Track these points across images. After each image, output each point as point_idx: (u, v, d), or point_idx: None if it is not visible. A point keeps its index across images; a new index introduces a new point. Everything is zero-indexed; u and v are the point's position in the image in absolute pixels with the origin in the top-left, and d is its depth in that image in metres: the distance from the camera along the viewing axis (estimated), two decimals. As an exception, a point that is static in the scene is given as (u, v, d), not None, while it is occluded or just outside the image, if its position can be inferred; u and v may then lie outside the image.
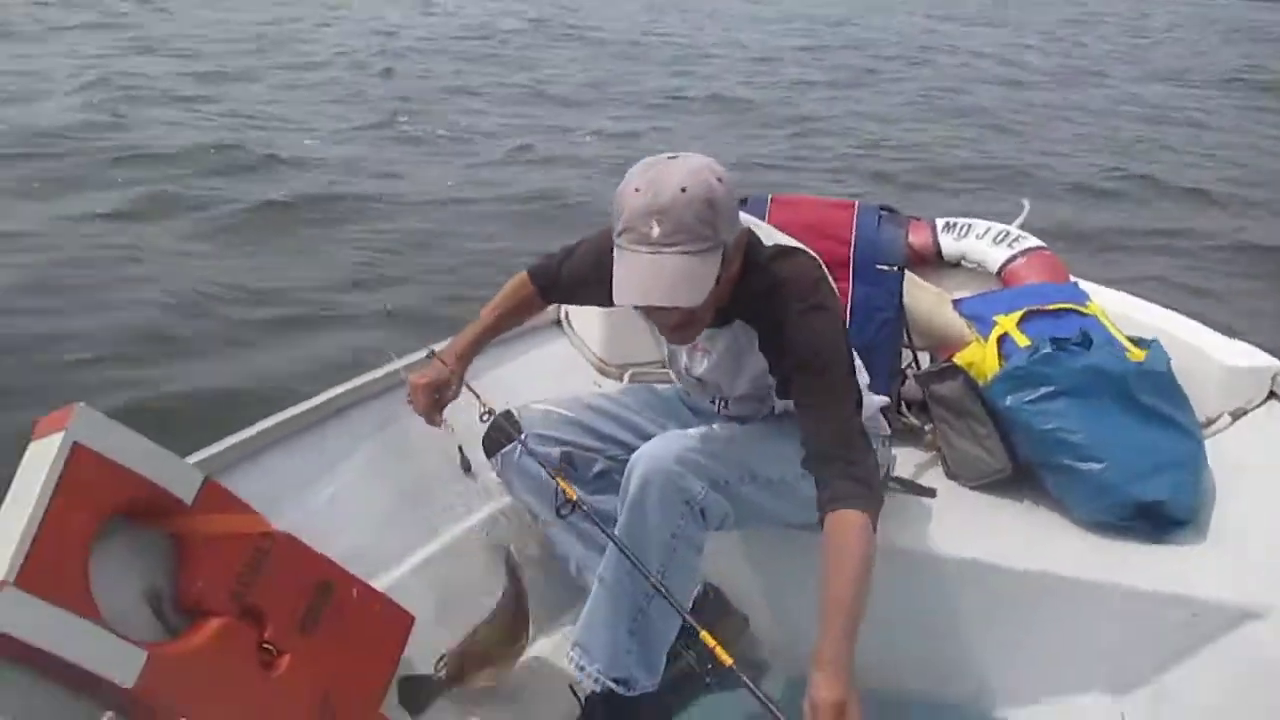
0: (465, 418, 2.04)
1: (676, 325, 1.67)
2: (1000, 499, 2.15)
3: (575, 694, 1.86)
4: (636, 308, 1.67)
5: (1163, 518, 1.97)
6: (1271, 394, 2.23)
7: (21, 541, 1.32)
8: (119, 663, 1.37)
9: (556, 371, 2.52)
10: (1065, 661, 1.91)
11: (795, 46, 17.74)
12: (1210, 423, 2.23)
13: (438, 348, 2.23)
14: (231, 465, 1.77)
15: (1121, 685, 1.87)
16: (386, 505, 2.00)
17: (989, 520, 2.09)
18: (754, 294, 1.70)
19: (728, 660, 1.28)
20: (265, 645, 1.58)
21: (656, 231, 1.49)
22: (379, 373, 2.14)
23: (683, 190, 1.49)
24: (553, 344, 2.63)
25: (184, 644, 1.49)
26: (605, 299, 1.63)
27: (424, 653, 1.87)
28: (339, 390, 2.07)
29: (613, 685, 1.72)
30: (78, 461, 1.41)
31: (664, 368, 2.70)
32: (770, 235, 1.78)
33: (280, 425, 1.91)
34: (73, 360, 4.09)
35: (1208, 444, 2.11)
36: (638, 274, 1.52)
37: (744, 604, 2.07)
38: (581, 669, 1.74)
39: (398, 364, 2.15)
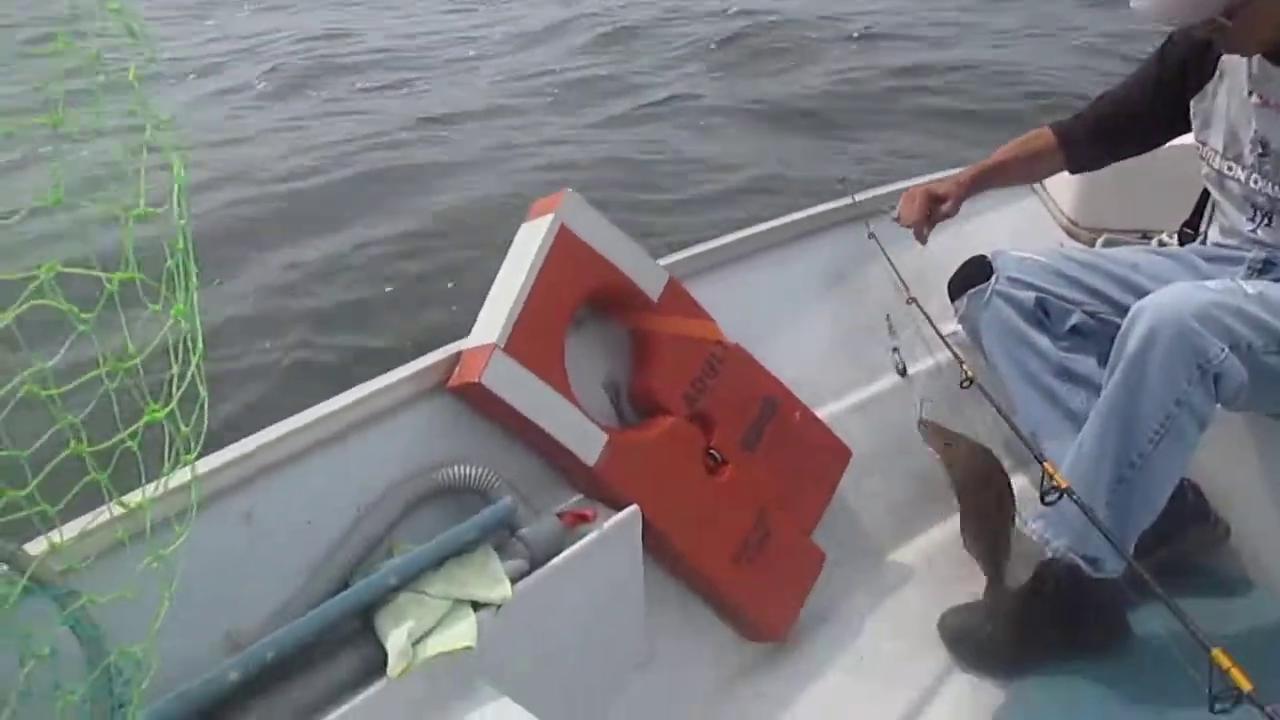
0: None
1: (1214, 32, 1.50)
2: None
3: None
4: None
5: None
6: None
7: (511, 312, 1.40)
8: (585, 440, 1.43)
9: (1020, 229, 2.30)
10: None
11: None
12: None
13: (859, 196, 2.13)
14: (693, 274, 1.78)
15: None
16: (833, 339, 1.94)
17: None
18: None
19: (1246, 685, 1.04)
20: (711, 452, 1.60)
21: None
22: (833, 204, 2.06)
23: None
24: (1021, 200, 2.40)
25: (641, 434, 1.54)
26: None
27: (857, 492, 1.82)
28: (801, 215, 2.01)
29: (1079, 562, 1.56)
30: (563, 242, 1.47)
31: (1145, 238, 2.41)
32: None
33: (742, 241, 1.90)
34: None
35: None
36: None
37: (1226, 509, 1.80)
38: (1046, 542, 1.59)
39: (863, 196, 2.08)
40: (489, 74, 8.02)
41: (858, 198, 2.10)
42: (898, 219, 1.89)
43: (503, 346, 1.37)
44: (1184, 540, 1.74)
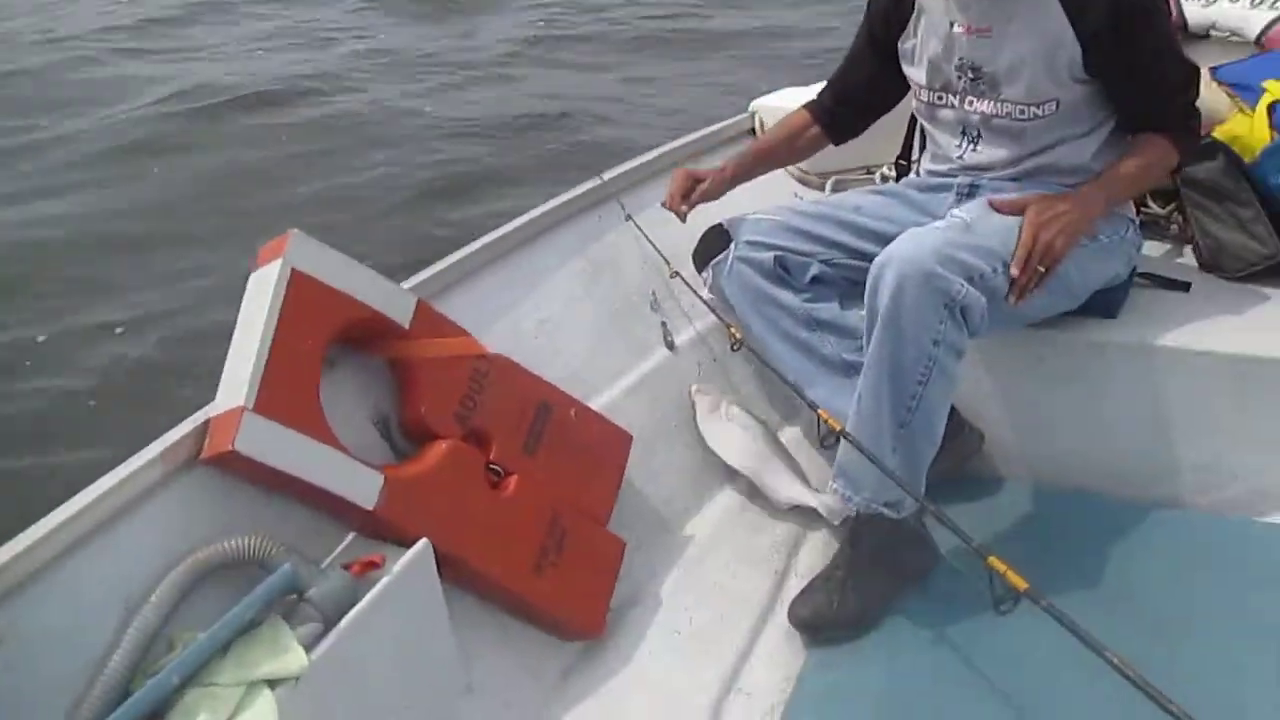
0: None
1: None
2: (1264, 289, 1.92)
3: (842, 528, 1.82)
4: None
5: None
6: None
7: (255, 368, 1.33)
8: (359, 485, 1.38)
9: (758, 188, 2.38)
10: None
11: None
12: None
13: (607, 174, 2.17)
14: (438, 292, 1.74)
15: None
16: (595, 327, 1.95)
17: (1251, 312, 1.86)
18: None
19: (1021, 584, 1.14)
20: (492, 466, 1.58)
21: None
22: (581, 189, 2.07)
23: None
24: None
25: (417, 465, 1.50)
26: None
27: (643, 473, 1.85)
28: (547, 207, 2.01)
29: (884, 510, 1.65)
30: (297, 286, 1.41)
31: (868, 173, 2.56)
32: None
33: (485, 249, 1.87)
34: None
35: None
36: None
37: (979, 419, 1.95)
38: (848, 500, 1.67)
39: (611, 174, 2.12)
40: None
41: (605, 176, 2.12)
42: (662, 203, 1.96)
43: (252, 407, 1.30)
44: (947, 456, 1.88)
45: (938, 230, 1.62)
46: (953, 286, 1.53)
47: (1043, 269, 1.58)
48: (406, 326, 1.54)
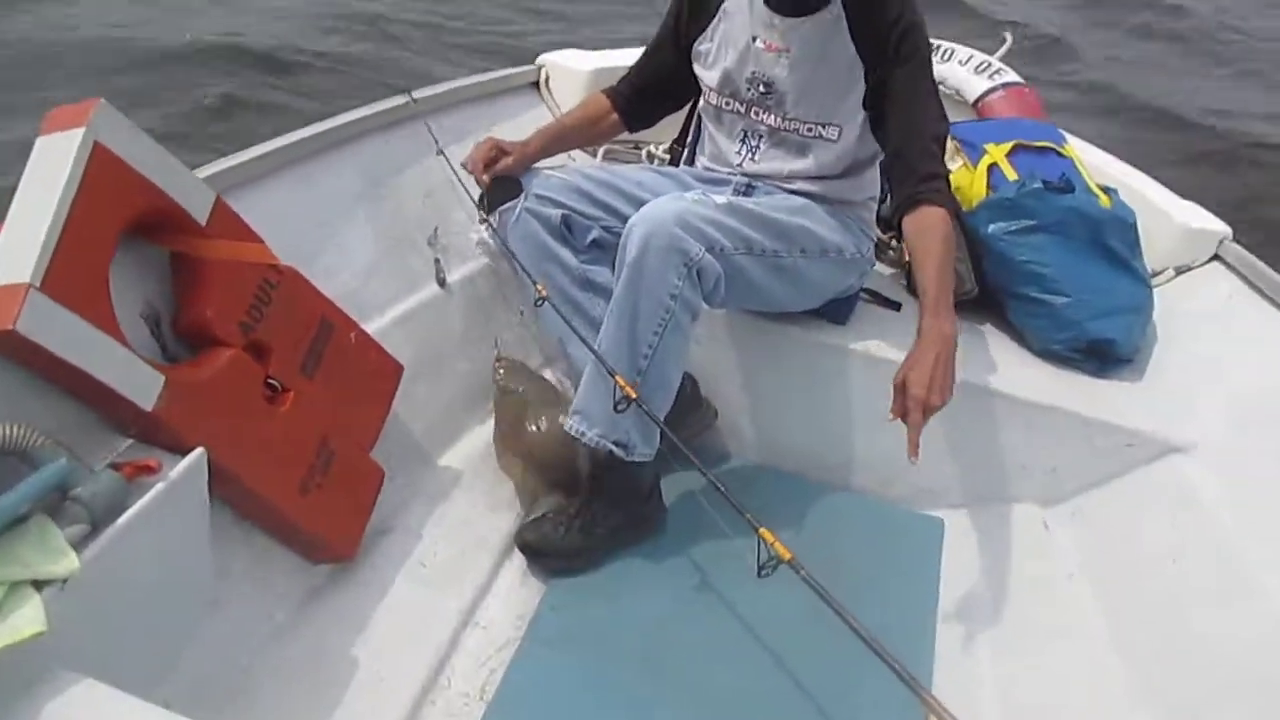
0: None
1: None
2: (962, 320, 2.24)
3: (579, 469, 1.92)
4: None
5: (1110, 355, 2.11)
6: (1216, 256, 2.37)
7: (45, 244, 1.21)
8: (140, 384, 1.30)
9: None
10: (1003, 473, 2.07)
11: None
12: (1156, 274, 2.37)
13: (419, 93, 2.15)
14: (227, 189, 1.65)
15: (1050, 499, 2.05)
16: (372, 250, 1.93)
17: None
18: None
19: (786, 555, 1.25)
20: (270, 381, 1.54)
21: None
22: (387, 104, 2.02)
23: None
24: (530, 109, 2.53)
25: (198, 370, 1.43)
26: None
27: (406, 404, 1.87)
28: (353, 116, 1.95)
29: (612, 448, 1.76)
30: (100, 161, 1.29)
31: (636, 149, 2.68)
32: None
33: (281, 152, 1.79)
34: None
35: (1155, 294, 2.25)
36: None
37: (716, 397, 2.13)
38: (582, 434, 1.77)
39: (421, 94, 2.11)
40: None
41: (415, 96, 2.09)
42: (463, 164, 1.97)
43: (39, 285, 1.19)
44: (685, 426, 2.05)
45: (686, 200, 1.77)
46: (692, 249, 1.69)
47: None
48: (203, 223, 1.46)
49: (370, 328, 1.82)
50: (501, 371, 2.01)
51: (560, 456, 1.89)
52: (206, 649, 1.43)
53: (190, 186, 1.44)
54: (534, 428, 1.92)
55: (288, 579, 1.61)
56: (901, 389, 1.60)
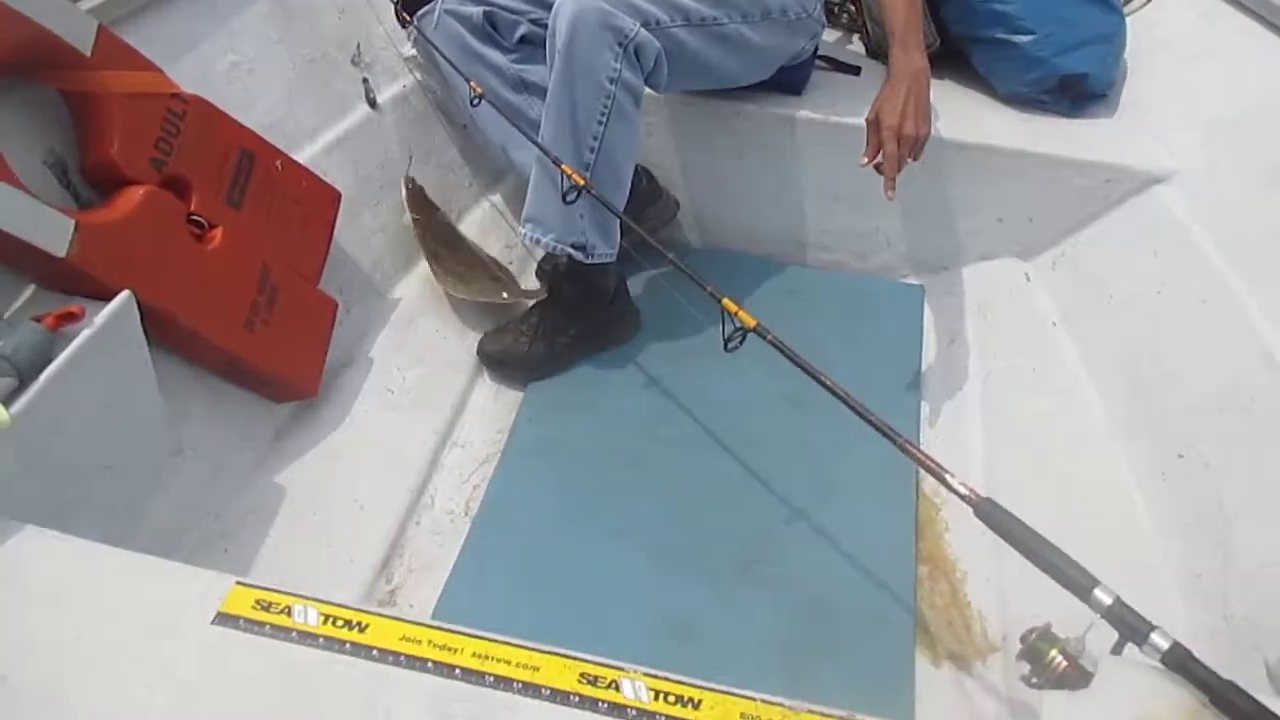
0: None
1: None
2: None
3: (539, 278, 1.85)
4: None
5: (1083, 91, 2.00)
6: None
7: None
8: (48, 230, 1.22)
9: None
10: (980, 229, 2.01)
11: None
12: (1128, 0, 2.23)
13: None
14: (118, 19, 1.53)
15: (1030, 250, 1.99)
16: (291, 76, 1.81)
17: None
18: None
19: (751, 322, 1.20)
20: (194, 217, 1.46)
21: None
22: None
23: None
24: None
25: (111, 211, 1.35)
26: None
27: (350, 234, 1.79)
28: None
29: (571, 251, 1.70)
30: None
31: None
32: None
33: None
34: None
35: (1126, 21, 2.12)
36: None
37: (674, 186, 2.05)
38: (537, 242, 1.70)
39: None
40: None
41: None
42: None
43: None
44: (645, 219, 1.97)
45: None
46: (625, 24, 1.57)
47: (913, 159, 1.57)
48: (87, 54, 1.35)
49: (301, 156, 1.73)
50: (412, 200, 1.92)
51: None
52: (174, 498, 1.41)
53: (65, 12, 1.33)
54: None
55: (252, 422, 1.57)
56: (875, 125, 1.55)
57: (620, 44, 1.58)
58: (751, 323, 1.19)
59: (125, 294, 1.28)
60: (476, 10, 1.81)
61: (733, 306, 1.22)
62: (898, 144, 1.52)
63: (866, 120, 1.57)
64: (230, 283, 1.48)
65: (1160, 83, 2.06)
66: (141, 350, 1.33)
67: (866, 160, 1.56)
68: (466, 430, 1.72)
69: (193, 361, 1.49)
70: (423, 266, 1.90)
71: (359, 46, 1.93)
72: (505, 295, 1.89)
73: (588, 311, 1.82)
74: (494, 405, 1.77)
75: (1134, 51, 2.11)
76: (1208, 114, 1.91)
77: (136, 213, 1.36)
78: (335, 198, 1.70)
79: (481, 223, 2.07)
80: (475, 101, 1.69)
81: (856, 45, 2.27)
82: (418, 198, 1.91)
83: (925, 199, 1.98)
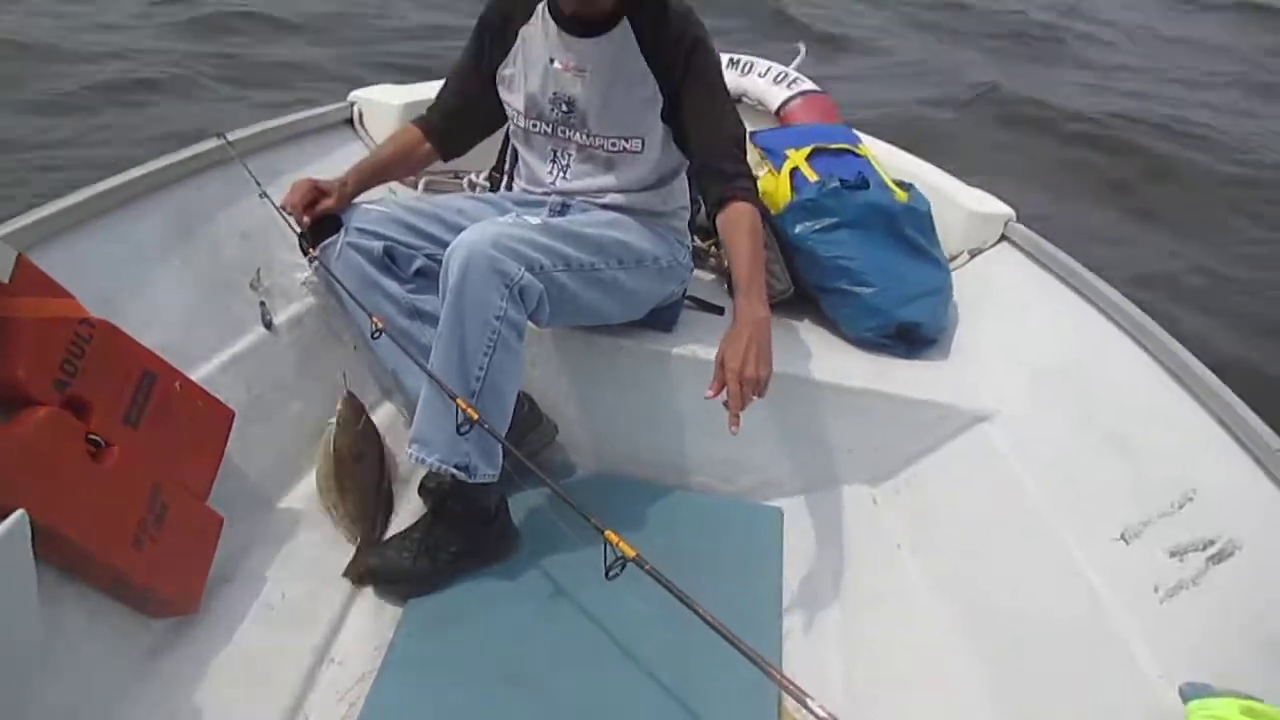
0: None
1: None
2: (781, 317, 2.37)
3: (423, 496, 1.93)
4: None
5: (917, 337, 2.27)
6: (1004, 237, 2.58)
7: None
8: None
9: (348, 173, 2.45)
10: (832, 457, 2.19)
11: None
12: (953, 258, 2.56)
13: (232, 135, 2.14)
14: (34, 244, 1.61)
15: (877, 477, 2.18)
16: (192, 299, 1.90)
17: (772, 336, 2.30)
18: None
19: (631, 553, 1.29)
20: (91, 437, 1.50)
21: None
22: (184, 154, 2.00)
23: None
24: (345, 145, 2.53)
25: (11, 431, 1.39)
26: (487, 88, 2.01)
27: (243, 449, 1.84)
28: (146, 170, 1.91)
29: (455, 471, 1.79)
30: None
31: (457, 178, 2.71)
32: None
33: (89, 203, 1.75)
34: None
35: (953, 275, 2.43)
36: None
37: (555, 414, 2.18)
38: (422, 461, 1.79)
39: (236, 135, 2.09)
40: None
41: (230, 137, 2.07)
42: (283, 205, 1.96)
43: None
44: (526, 444, 2.09)
45: (501, 223, 1.83)
46: (511, 269, 1.74)
47: (758, 396, 1.70)
48: (5, 281, 1.42)
49: (197, 375, 1.79)
50: (346, 409, 2.01)
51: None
52: (45, 717, 1.38)
53: None
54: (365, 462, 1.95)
55: (127, 638, 1.56)
56: (720, 365, 1.69)
57: (507, 286, 1.74)
58: (631, 553, 1.29)
59: (19, 514, 1.30)
60: (377, 244, 1.95)
61: (614, 538, 1.32)
62: (740, 385, 1.66)
63: (715, 361, 1.72)
64: (122, 501, 1.51)
65: (984, 331, 2.34)
66: (29, 568, 1.34)
67: (711, 393, 1.70)
68: (344, 646, 1.74)
69: (74, 575, 1.49)
70: (308, 483, 1.95)
71: (259, 272, 2.04)
72: (356, 539, 1.94)
73: (470, 530, 1.89)
74: (374, 620, 1.80)
75: (961, 300, 2.41)
76: (1024, 360, 2.19)
77: (36, 434, 1.40)
78: (229, 417, 1.77)
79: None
80: (376, 335, 1.81)
81: (722, 286, 2.50)
82: (351, 410, 2.00)
83: (783, 429, 2.17)
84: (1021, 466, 1.93)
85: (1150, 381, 1.89)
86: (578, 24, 1.92)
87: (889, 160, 2.70)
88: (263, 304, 2.02)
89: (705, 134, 1.93)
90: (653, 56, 1.90)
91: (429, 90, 2.60)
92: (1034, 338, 2.25)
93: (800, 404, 2.16)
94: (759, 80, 2.94)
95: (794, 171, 2.37)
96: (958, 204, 2.60)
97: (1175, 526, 1.65)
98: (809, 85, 2.91)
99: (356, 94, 2.64)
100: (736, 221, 1.87)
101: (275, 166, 2.25)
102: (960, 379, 2.20)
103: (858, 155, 2.48)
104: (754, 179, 1.94)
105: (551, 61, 1.95)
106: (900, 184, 2.43)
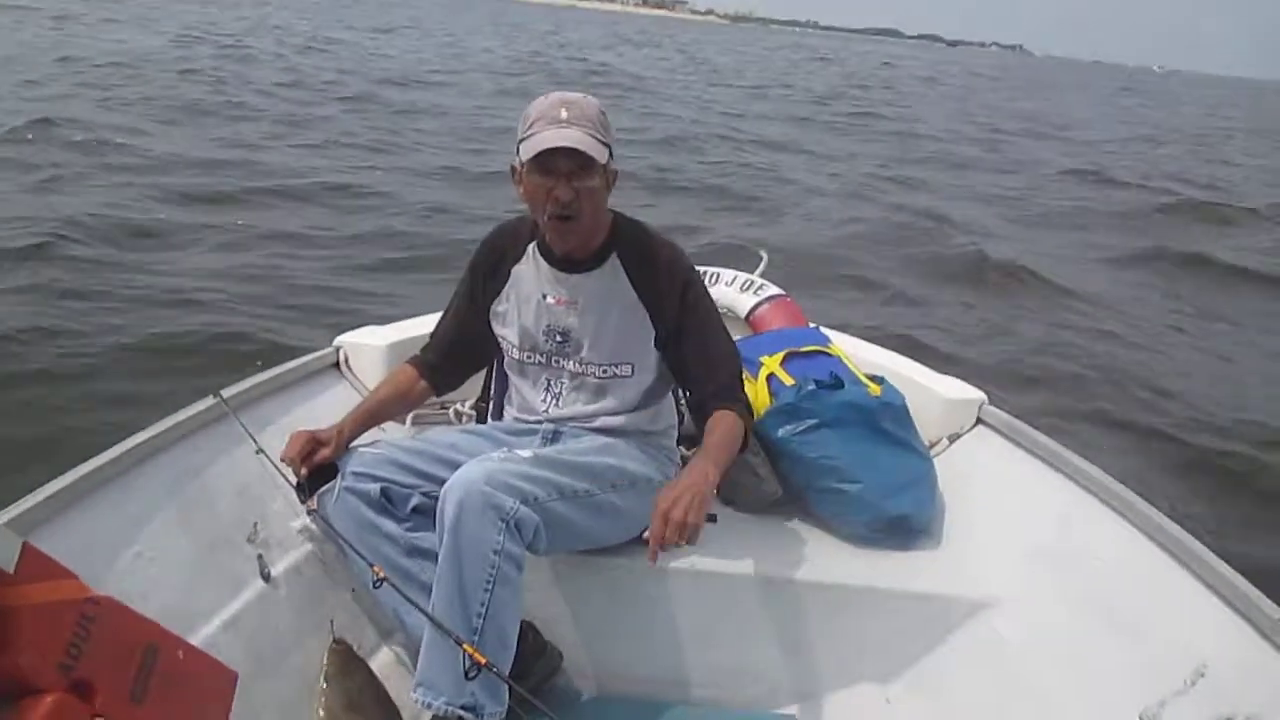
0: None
1: (569, 202, 1.89)
2: (772, 520, 2.40)
3: None
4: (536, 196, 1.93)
5: (907, 528, 2.30)
6: (979, 420, 2.65)
7: None
8: None
9: (339, 416, 2.50)
10: (840, 658, 2.18)
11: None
12: (933, 445, 2.61)
13: (227, 392, 2.21)
14: (34, 524, 1.64)
15: (887, 675, 2.16)
16: (191, 560, 1.92)
17: (765, 540, 2.32)
18: (625, 236, 2.05)
19: None
20: (97, 718, 1.49)
21: (565, 114, 1.85)
22: (180, 416, 2.06)
23: (584, 96, 1.92)
24: (333, 389, 2.61)
25: (17, 724, 1.38)
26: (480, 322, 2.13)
27: (248, 708, 1.82)
28: (145, 435, 1.96)
29: (462, 713, 1.77)
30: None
31: (444, 409, 2.78)
32: None
33: (82, 480, 1.79)
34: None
35: (935, 463, 2.48)
36: (548, 136, 1.83)
37: (558, 639, 2.17)
38: (428, 706, 1.77)
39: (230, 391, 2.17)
40: None
41: (225, 394, 2.13)
42: (282, 459, 2.01)
43: None
44: (533, 674, 2.06)
45: (494, 460, 1.89)
46: (505, 503, 1.79)
47: (683, 541, 1.80)
48: (11, 571, 1.44)
49: (198, 638, 1.79)
50: (335, 659, 1.99)
51: None
52: None
53: None
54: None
55: None
56: (655, 508, 1.78)
57: (503, 520, 1.78)
58: None
59: (28, 809, 1.29)
60: (374, 487, 1.99)
61: None
62: (664, 524, 1.76)
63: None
64: (127, 783, 1.48)
65: (973, 516, 2.38)
66: None
67: (645, 536, 1.80)
68: None
69: None
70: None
71: (255, 525, 2.07)
72: None
73: None
74: None
75: (945, 487, 2.46)
76: (1016, 543, 2.22)
77: (43, 724, 1.39)
78: (232, 679, 1.75)
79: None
80: (377, 584, 1.82)
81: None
82: (341, 661, 1.97)
83: (788, 634, 2.17)
84: (1031, 654, 1.94)
85: (1142, 557, 1.93)
86: (569, 262, 2.04)
87: (859, 355, 2.80)
88: (260, 557, 2.04)
89: (706, 368, 2.07)
90: (643, 289, 2.03)
91: (413, 329, 2.71)
92: (1021, 519, 2.28)
93: (803, 606, 2.17)
94: (726, 289, 3.07)
95: (770, 377, 2.45)
96: (932, 392, 2.69)
97: (1192, 704, 1.65)
98: (775, 290, 3.05)
99: (342, 338, 2.73)
100: (721, 417, 2.02)
101: (267, 416, 2.31)
102: (958, 567, 2.22)
103: (830, 355, 2.57)
104: (750, 406, 2.07)
105: (544, 297, 2.07)
106: (873, 378, 2.52)
